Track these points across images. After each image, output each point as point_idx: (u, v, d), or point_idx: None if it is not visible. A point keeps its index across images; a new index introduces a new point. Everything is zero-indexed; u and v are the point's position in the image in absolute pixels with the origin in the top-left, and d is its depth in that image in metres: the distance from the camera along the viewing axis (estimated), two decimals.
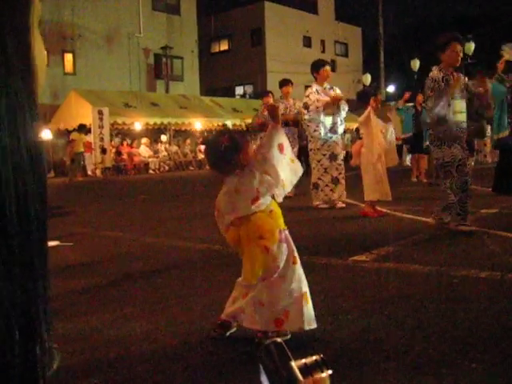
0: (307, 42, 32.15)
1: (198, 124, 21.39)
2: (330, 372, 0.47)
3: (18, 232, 0.39)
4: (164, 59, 24.27)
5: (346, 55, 34.29)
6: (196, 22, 26.85)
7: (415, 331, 2.41)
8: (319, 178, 6.85)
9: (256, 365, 1.64)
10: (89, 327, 2.69)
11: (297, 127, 8.61)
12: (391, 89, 33.47)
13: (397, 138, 6.93)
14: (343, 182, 6.79)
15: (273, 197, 2.42)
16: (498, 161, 7.89)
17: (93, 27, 21.98)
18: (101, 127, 18.09)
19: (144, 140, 20.49)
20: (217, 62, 31.10)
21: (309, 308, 2.37)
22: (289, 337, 2.38)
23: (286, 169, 2.40)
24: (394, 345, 2.26)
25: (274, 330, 2.33)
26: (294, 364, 0.46)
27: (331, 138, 6.80)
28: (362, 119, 6.09)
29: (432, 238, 4.68)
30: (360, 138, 6.25)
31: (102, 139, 18.10)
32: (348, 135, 23.07)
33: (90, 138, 17.65)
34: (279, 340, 0.49)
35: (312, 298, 2.98)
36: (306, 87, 8.26)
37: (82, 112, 18.16)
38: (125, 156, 19.72)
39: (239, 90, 31.14)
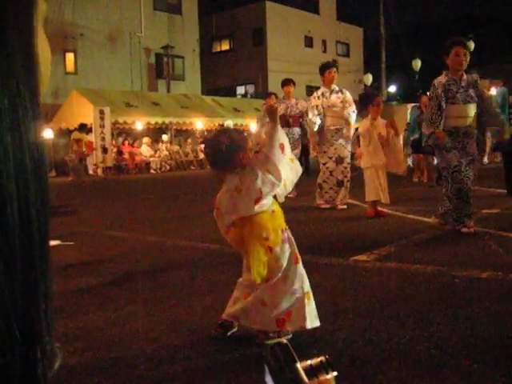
0: (309, 42, 32.14)
1: (199, 123, 21.39)
2: (335, 373, 0.47)
3: (20, 232, 0.39)
4: (165, 59, 24.28)
5: (347, 55, 34.28)
6: (197, 21, 26.86)
7: (416, 331, 2.41)
8: (324, 181, 6.86)
9: (258, 365, 1.64)
10: (90, 326, 2.69)
11: (299, 127, 8.58)
12: (392, 89, 33.48)
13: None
14: (348, 185, 6.79)
15: (274, 196, 2.42)
16: (504, 163, 7.82)
17: (94, 27, 21.99)
18: (102, 127, 18.10)
19: (145, 139, 20.50)
20: (218, 61, 31.10)
21: (311, 307, 2.38)
22: (290, 336, 2.38)
23: (287, 168, 2.40)
24: (396, 345, 2.26)
25: (275, 330, 2.34)
26: (299, 365, 0.46)
27: (337, 141, 6.80)
28: (361, 130, 6.09)
29: (433, 238, 4.68)
30: (358, 145, 6.24)
31: (103, 139, 18.11)
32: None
33: (91, 137, 17.65)
34: (285, 341, 0.49)
35: (313, 298, 2.99)
36: (308, 87, 8.29)
37: (83, 111, 18.18)
38: (126, 155, 19.73)
39: (240, 90, 31.14)
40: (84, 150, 16.28)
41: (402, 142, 6.21)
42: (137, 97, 20.69)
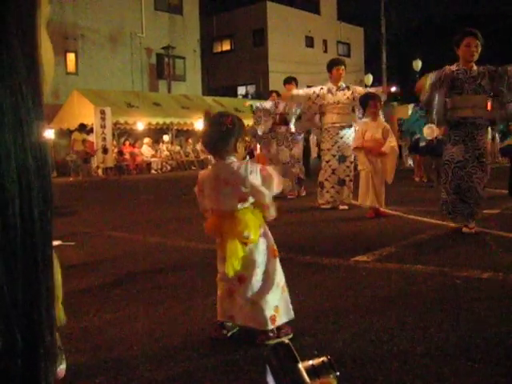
0: (309, 42, 32.14)
1: (200, 124, 21.39)
2: (337, 374, 0.47)
3: (22, 232, 0.39)
4: (166, 59, 24.28)
5: (348, 55, 34.26)
6: (198, 21, 26.86)
7: (417, 331, 2.41)
8: (326, 179, 6.84)
9: (259, 365, 1.64)
10: (91, 327, 2.70)
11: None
12: (393, 89, 33.44)
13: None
14: (350, 184, 6.77)
15: None
16: (510, 165, 7.76)
17: (95, 27, 22.00)
18: (103, 127, 18.10)
19: (146, 140, 20.50)
20: (219, 61, 31.11)
21: (288, 299, 2.44)
22: (291, 336, 2.38)
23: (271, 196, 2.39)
24: (396, 345, 2.26)
25: (271, 328, 2.34)
26: (301, 365, 0.46)
27: (342, 139, 6.80)
28: (354, 145, 6.14)
29: (434, 238, 4.68)
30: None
31: (104, 139, 18.11)
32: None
33: (92, 137, 17.66)
34: (286, 341, 0.49)
35: (314, 298, 2.99)
36: (309, 87, 8.25)
37: (84, 112, 18.18)
38: (127, 156, 19.73)
39: (241, 90, 31.14)
40: (79, 149, 16.32)
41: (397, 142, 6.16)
42: (138, 97, 20.69)
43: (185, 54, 25.74)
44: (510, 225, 4.74)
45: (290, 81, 8.58)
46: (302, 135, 8.83)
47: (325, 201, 6.88)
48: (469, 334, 2.35)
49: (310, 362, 0.46)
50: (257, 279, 2.35)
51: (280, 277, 2.42)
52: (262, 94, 10.28)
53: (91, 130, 17.97)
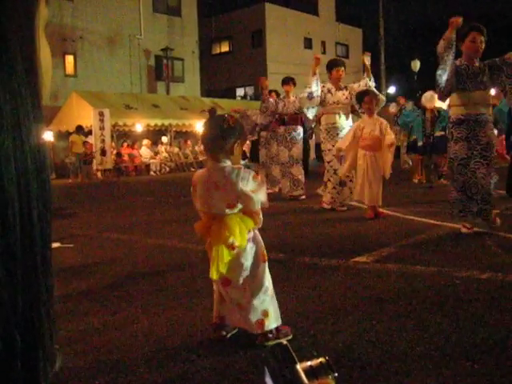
0: (308, 44, 32.14)
1: (198, 125, 21.37)
2: (335, 375, 0.47)
3: (21, 235, 0.39)
4: (165, 61, 24.27)
5: (346, 56, 34.24)
6: (197, 23, 26.85)
7: (417, 332, 2.41)
8: (328, 179, 6.86)
9: (258, 366, 1.64)
10: (90, 329, 2.69)
11: (296, 125, 8.52)
12: (392, 90, 33.47)
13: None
14: (351, 185, 6.77)
15: None
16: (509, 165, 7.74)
17: (94, 29, 21.99)
18: (102, 129, 18.08)
19: (145, 141, 20.50)
20: (217, 63, 31.11)
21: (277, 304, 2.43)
22: (290, 337, 2.39)
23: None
24: (396, 346, 2.26)
25: (258, 332, 2.34)
26: (299, 366, 0.46)
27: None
28: (339, 145, 6.15)
29: (433, 238, 4.68)
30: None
31: (103, 141, 18.10)
32: None
33: (90, 139, 17.65)
34: (285, 342, 0.49)
35: (313, 299, 2.99)
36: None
37: (82, 114, 18.17)
38: (126, 157, 19.72)
39: (240, 92, 31.13)
40: (77, 151, 16.32)
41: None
42: (136, 99, 20.68)
43: (183, 56, 25.74)
44: (509, 225, 4.73)
45: (288, 81, 8.57)
46: (302, 135, 8.78)
47: (327, 201, 6.88)
48: (468, 335, 2.35)
49: (308, 363, 0.47)
50: (242, 283, 2.35)
51: (269, 282, 2.41)
52: (261, 95, 10.27)
53: (90, 132, 17.95)
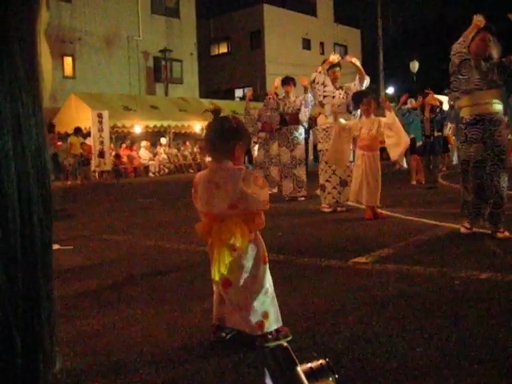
0: (306, 45, 32.17)
1: (197, 126, 21.39)
2: (336, 377, 0.47)
3: (22, 239, 0.39)
4: (163, 62, 24.28)
5: (343, 57, 34.27)
6: (195, 24, 26.87)
7: (417, 332, 2.41)
8: (327, 180, 6.79)
9: (258, 368, 1.64)
10: (90, 330, 2.69)
11: (297, 124, 8.50)
12: (390, 90, 33.50)
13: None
14: (351, 184, 6.74)
15: None
16: None
17: (92, 31, 21.99)
18: (100, 130, 18.08)
19: (144, 143, 20.49)
20: (216, 64, 31.11)
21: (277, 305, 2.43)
22: (290, 338, 2.39)
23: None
24: (396, 346, 2.26)
25: (258, 334, 2.34)
26: (299, 368, 0.46)
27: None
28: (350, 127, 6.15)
29: (432, 239, 4.68)
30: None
31: (101, 142, 18.10)
32: None
33: (89, 141, 17.64)
34: (285, 344, 0.49)
35: (313, 300, 2.99)
36: (305, 89, 8.25)
37: (81, 115, 18.17)
38: (124, 159, 19.72)
39: (239, 93, 31.13)
40: (75, 153, 16.32)
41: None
42: (135, 100, 20.68)
43: (182, 57, 25.75)
44: (509, 225, 4.73)
45: (288, 81, 8.56)
46: (303, 135, 8.76)
47: (327, 204, 6.81)
48: (468, 335, 2.35)
49: (309, 365, 0.47)
50: (242, 284, 2.35)
51: (270, 283, 2.41)
52: (260, 96, 10.26)
53: (89, 134, 17.95)
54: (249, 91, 9.59)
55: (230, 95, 29.99)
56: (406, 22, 37.31)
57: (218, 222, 2.33)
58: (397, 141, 5.85)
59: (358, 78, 6.90)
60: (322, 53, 32.24)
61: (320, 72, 6.90)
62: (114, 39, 22.87)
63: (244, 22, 30.07)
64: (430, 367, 2.06)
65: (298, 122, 8.43)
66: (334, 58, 6.93)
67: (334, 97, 6.84)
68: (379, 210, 6.06)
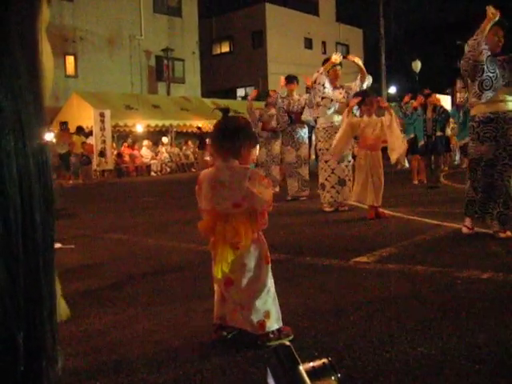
0: (308, 44, 32.16)
1: (199, 126, 21.41)
2: (338, 376, 0.47)
3: (23, 239, 0.39)
4: (165, 61, 24.29)
5: (344, 56, 34.22)
6: (197, 24, 26.88)
7: (418, 332, 2.41)
8: (326, 179, 6.79)
9: (260, 367, 1.64)
10: (91, 329, 2.70)
11: (302, 123, 8.49)
12: (392, 90, 33.48)
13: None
14: (350, 184, 6.74)
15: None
16: None
17: (94, 30, 22.02)
18: (102, 129, 18.10)
19: (146, 142, 20.51)
20: (218, 63, 31.12)
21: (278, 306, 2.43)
22: (292, 337, 2.39)
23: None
24: (397, 346, 2.26)
25: (259, 333, 2.34)
26: (301, 367, 0.46)
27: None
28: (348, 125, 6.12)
29: (434, 239, 4.68)
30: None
31: (103, 141, 18.11)
32: None
33: (91, 140, 17.66)
34: (287, 343, 0.49)
35: (314, 300, 2.99)
36: (308, 89, 8.23)
37: (83, 114, 18.19)
38: (126, 158, 19.74)
39: (240, 92, 31.14)
40: (87, 152, 16.35)
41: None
42: (137, 99, 20.70)
43: (184, 56, 25.76)
44: (509, 225, 4.72)
45: (292, 80, 8.55)
46: (307, 134, 8.76)
47: (326, 203, 6.82)
48: (469, 335, 2.35)
49: (311, 364, 0.47)
50: (244, 283, 2.35)
51: (271, 283, 2.41)
52: (262, 95, 10.28)
53: (90, 133, 17.97)
54: (252, 92, 9.59)
55: (231, 94, 29.99)
56: (408, 21, 37.26)
57: (222, 220, 2.33)
58: (392, 146, 5.90)
59: (359, 77, 6.89)
60: (324, 52, 32.23)
61: (321, 73, 6.90)
62: (116, 38, 22.89)
63: (246, 22, 30.07)
64: (431, 367, 2.06)
65: (302, 120, 8.44)
66: (337, 57, 6.90)
67: (331, 100, 6.84)
68: (381, 210, 6.05)
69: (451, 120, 11.78)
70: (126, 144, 20.17)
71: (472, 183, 4.60)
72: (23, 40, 0.39)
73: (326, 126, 6.88)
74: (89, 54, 22.01)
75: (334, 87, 6.92)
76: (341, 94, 6.88)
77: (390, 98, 28.95)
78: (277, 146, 9.15)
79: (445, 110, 10.00)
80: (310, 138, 10.69)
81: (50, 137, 17.08)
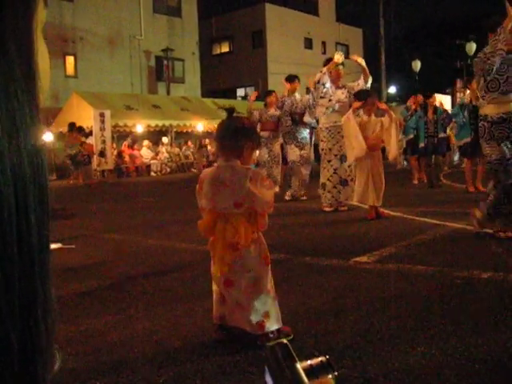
0: (308, 44, 32.15)
1: (199, 126, 21.40)
2: (335, 374, 0.47)
3: (18, 240, 0.39)
4: (165, 61, 24.28)
5: (347, 56, 34.22)
6: (197, 24, 26.87)
7: (418, 332, 2.41)
8: (328, 179, 6.79)
9: (260, 367, 1.64)
10: (91, 329, 2.70)
11: (305, 123, 8.47)
12: (392, 90, 33.48)
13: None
14: (352, 184, 6.73)
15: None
16: None
17: (94, 30, 22.01)
18: (102, 130, 18.09)
19: (146, 142, 20.50)
20: (218, 63, 31.11)
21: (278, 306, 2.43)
22: (291, 337, 2.39)
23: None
24: (397, 346, 2.26)
25: (258, 333, 2.35)
26: (299, 365, 0.46)
27: (343, 138, 6.75)
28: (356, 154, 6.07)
29: (434, 239, 4.68)
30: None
31: (103, 142, 18.10)
32: None
33: (91, 140, 17.64)
34: (285, 341, 0.49)
35: (314, 299, 2.99)
36: (308, 89, 8.23)
37: (83, 115, 18.17)
38: (126, 158, 19.73)
39: (240, 92, 31.13)
40: (86, 152, 16.31)
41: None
42: (137, 100, 20.68)
43: (184, 57, 25.75)
44: (510, 225, 4.71)
45: (293, 79, 8.54)
46: (309, 135, 8.75)
47: (328, 203, 6.81)
48: (469, 334, 2.35)
49: (309, 362, 0.47)
50: (244, 284, 2.35)
51: (271, 284, 2.42)
52: (262, 95, 10.28)
53: (91, 133, 17.95)
54: (252, 94, 9.58)
55: (231, 94, 29.98)
56: (408, 20, 37.27)
57: (222, 220, 2.33)
58: (388, 148, 5.94)
59: (362, 77, 6.88)
60: (324, 52, 32.23)
61: (324, 73, 6.90)
62: (116, 38, 22.88)
63: (246, 21, 30.06)
64: (431, 367, 2.06)
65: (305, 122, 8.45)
66: (339, 57, 6.90)
67: (330, 100, 6.84)
68: (381, 210, 6.05)
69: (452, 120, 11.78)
70: (125, 143, 20.16)
71: (494, 184, 4.49)
72: (18, 40, 0.39)
73: (328, 125, 6.88)
74: (89, 54, 21.99)
75: (337, 87, 6.92)
76: (343, 93, 6.88)
77: (390, 98, 28.98)
78: (277, 146, 9.15)
79: (448, 114, 10.00)
80: (310, 138, 10.69)
81: (49, 137, 17.10)
